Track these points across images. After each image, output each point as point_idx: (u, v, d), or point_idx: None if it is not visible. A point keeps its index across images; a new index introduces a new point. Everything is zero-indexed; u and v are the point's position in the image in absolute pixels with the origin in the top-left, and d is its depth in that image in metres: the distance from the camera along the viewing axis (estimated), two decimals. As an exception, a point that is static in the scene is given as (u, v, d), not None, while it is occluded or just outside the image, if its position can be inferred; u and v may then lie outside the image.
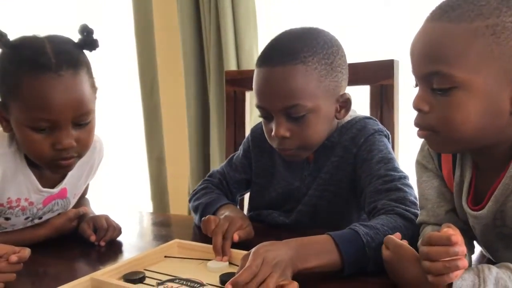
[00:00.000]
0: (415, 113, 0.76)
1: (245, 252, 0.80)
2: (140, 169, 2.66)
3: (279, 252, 0.76)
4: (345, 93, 1.03)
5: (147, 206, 2.60)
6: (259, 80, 1.00)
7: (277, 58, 0.98)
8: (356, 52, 1.05)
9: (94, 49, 1.02)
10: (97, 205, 1.26)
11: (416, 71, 0.75)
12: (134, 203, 2.94)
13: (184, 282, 0.82)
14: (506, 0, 0.68)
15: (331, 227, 0.85)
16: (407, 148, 1.27)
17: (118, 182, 3.04)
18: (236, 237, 0.93)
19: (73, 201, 1.17)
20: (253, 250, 0.77)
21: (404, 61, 0.87)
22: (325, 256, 0.79)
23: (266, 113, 1.01)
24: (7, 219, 1.06)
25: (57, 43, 0.97)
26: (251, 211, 1.21)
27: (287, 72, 0.96)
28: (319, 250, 0.80)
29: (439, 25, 0.71)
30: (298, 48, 0.97)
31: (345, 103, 1.03)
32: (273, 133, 1.00)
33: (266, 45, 1.04)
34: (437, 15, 0.72)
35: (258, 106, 1.02)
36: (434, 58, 0.71)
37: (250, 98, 1.51)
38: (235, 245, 0.91)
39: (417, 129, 0.76)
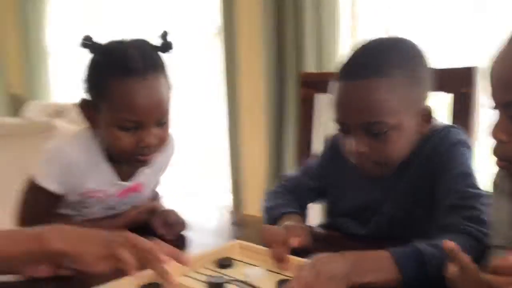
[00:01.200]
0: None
1: (303, 260, 0.80)
2: (221, 165, 2.75)
3: (335, 265, 0.75)
4: (426, 105, 0.98)
5: (226, 199, 2.69)
6: (340, 94, 0.96)
7: (360, 71, 0.93)
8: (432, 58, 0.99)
9: (169, 51, 1.08)
10: (174, 199, 1.31)
11: (496, 97, 0.70)
12: (213, 196, 3.05)
13: (241, 285, 0.83)
14: None
15: (409, 239, 0.82)
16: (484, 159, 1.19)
17: (198, 177, 3.17)
18: (295, 243, 0.92)
19: (147, 195, 1.23)
20: (309, 261, 0.76)
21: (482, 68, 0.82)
22: (382, 274, 0.77)
23: (346, 128, 0.98)
24: (85, 207, 1.14)
25: (142, 48, 1.05)
26: (327, 219, 1.19)
27: (371, 86, 0.92)
28: (376, 266, 0.77)
29: None
30: (382, 60, 0.93)
31: (427, 116, 0.98)
32: (353, 149, 0.96)
33: (347, 56, 0.99)
34: None
35: (338, 121, 0.98)
36: None
37: (322, 101, 1.49)
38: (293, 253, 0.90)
39: (496, 158, 0.72)
